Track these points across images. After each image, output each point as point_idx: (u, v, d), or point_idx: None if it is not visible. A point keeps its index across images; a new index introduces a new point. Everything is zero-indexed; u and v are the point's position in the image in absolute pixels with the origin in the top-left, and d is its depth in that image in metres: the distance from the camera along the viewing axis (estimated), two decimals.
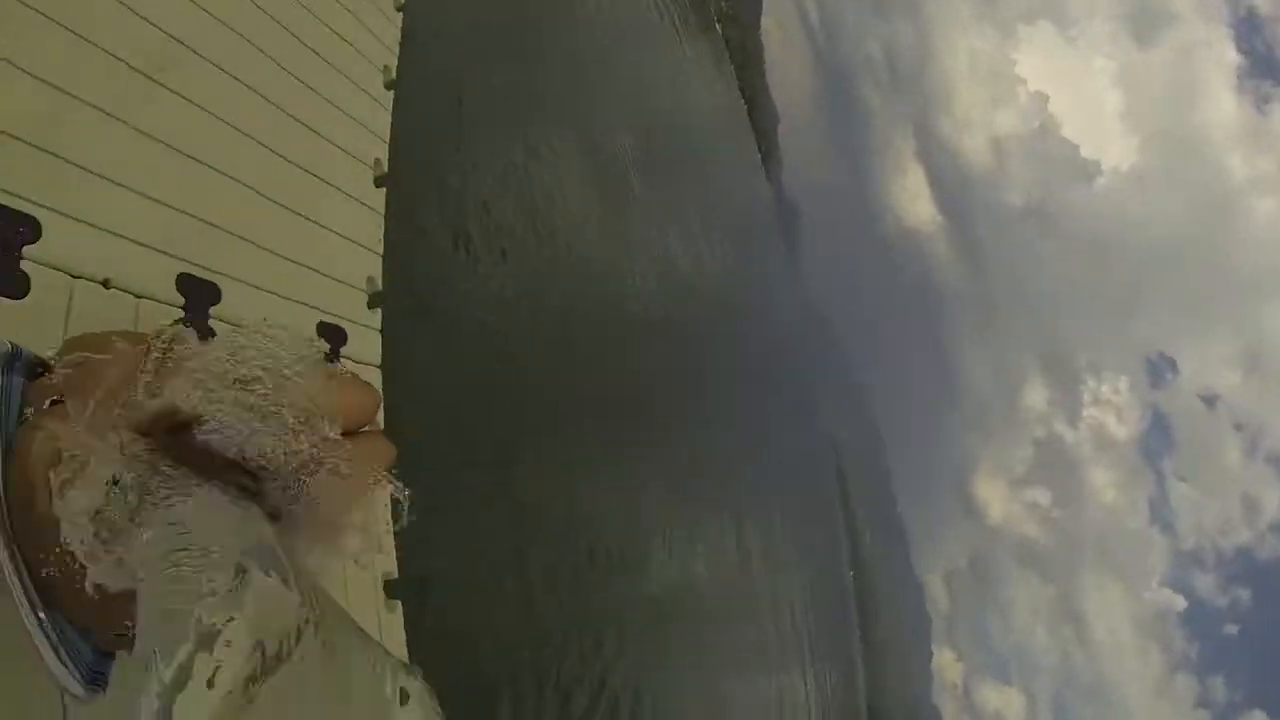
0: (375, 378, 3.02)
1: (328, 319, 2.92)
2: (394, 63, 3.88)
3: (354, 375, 2.01)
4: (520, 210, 6.33)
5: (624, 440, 7.35)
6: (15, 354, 1.21)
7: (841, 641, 18.06)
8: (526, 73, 7.17)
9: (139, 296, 2.19)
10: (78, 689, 1.06)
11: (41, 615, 1.02)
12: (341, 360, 2.91)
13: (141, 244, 2.24)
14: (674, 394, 9.08)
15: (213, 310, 2.43)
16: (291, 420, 0.89)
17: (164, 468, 0.87)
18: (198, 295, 2.38)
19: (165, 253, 2.31)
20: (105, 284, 2.11)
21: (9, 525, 0.94)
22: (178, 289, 2.32)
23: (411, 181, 4.07)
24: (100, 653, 1.32)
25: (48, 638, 1.02)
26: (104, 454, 0.87)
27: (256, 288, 2.61)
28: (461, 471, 4.53)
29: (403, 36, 4.05)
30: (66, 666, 1.03)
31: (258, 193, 2.71)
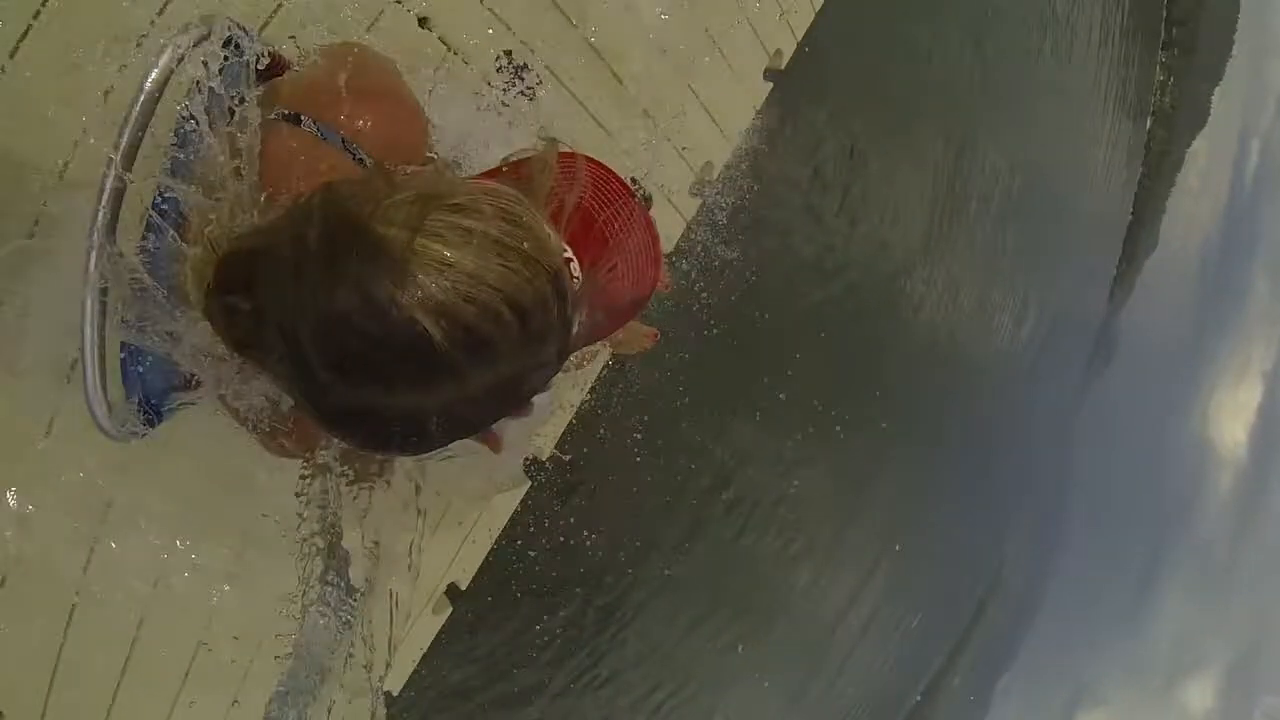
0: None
1: (642, 179, 2.63)
2: None
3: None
4: (878, 188, 5.86)
5: (833, 430, 7.01)
6: (240, 34, 0.96)
7: None
8: (950, 58, 6.50)
9: (450, 50, 1.97)
10: (103, 418, 0.97)
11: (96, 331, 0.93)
12: None
13: (484, 3, 2.04)
14: (899, 416, 8.58)
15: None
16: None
17: None
18: (513, 79, 2.18)
19: (503, 22, 2.07)
20: (422, 22, 1.91)
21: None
22: (495, 62, 2.09)
23: (798, 93, 3.65)
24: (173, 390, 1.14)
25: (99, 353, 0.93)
26: None
27: (579, 100, 2.35)
28: (673, 371, 4.23)
29: None
30: (101, 391, 0.95)
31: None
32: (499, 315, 0.63)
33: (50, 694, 1.80)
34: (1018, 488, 19.51)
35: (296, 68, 1.24)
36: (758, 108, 2.97)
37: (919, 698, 18.58)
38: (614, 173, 0.93)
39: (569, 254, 0.83)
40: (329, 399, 0.65)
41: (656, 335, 2.58)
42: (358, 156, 0.91)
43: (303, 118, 0.90)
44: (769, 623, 8.11)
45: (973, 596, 20.28)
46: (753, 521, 6.41)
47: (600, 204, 0.92)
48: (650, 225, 0.97)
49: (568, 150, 0.83)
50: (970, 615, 21.01)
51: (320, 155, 0.90)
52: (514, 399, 0.71)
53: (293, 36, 1.47)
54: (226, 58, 0.99)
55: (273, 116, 0.91)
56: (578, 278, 0.84)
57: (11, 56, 1.44)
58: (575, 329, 0.74)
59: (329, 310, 0.62)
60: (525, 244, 0.65)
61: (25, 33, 1.43)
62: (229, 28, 0.97)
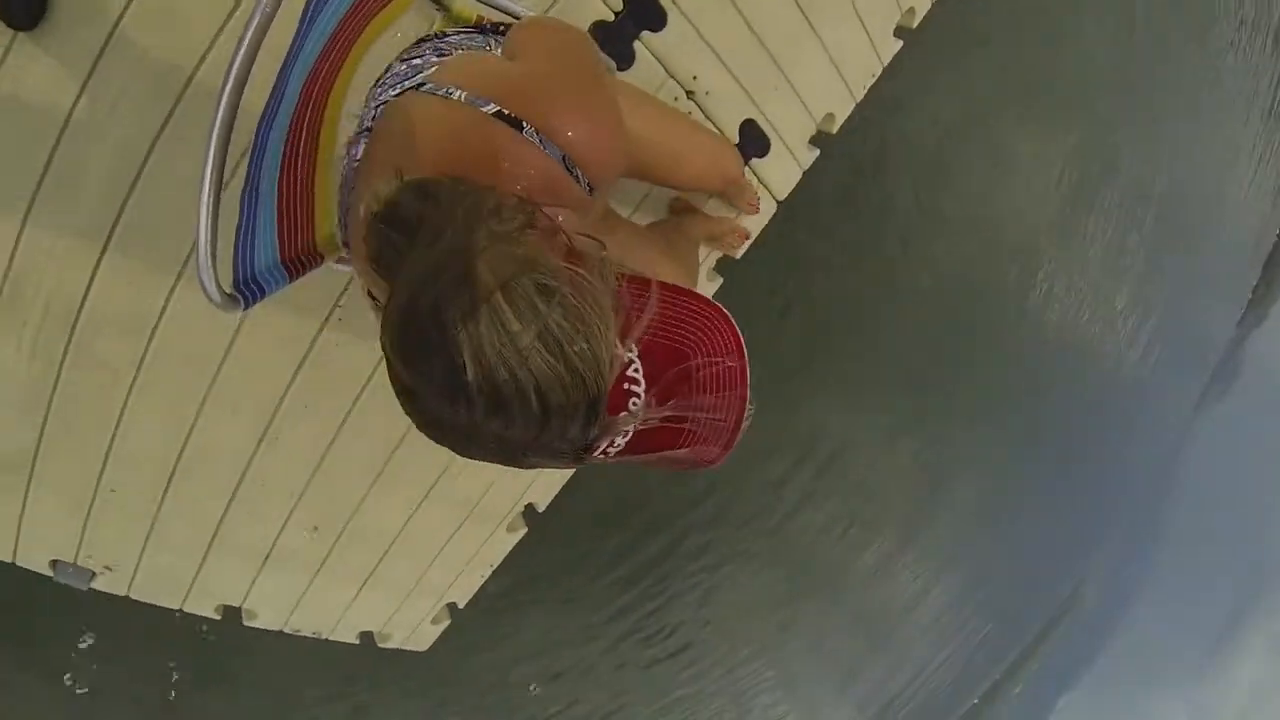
0: (768, 209, 2.72)
1: (761, 123, 2.61)
2: None
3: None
4: (1003, 170, 5.59)
5: (924, 418, 6.86)
6: None
7: None
8: (1096, 40, 6.10)
9: None
10: (211, 288, 1.07)
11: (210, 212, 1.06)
12: (748, 167, 2.62)
13: None
14: (994, 413, 8.25)
15: (646, 33, 2.22)
16: None
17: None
18: (641, 8, 2.18)
19: None
20: None
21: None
22: None
23: (930, 55, 3.51)
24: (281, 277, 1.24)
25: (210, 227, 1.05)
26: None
27: (701, 36, 2.33)
28: (758, 328, 4.15)
29: None
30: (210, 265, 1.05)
31: None
32: (525, 397, 0.68)
33: None
34: (1113, 507, 18.54)
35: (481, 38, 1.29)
36: (885, 64, 2.89)
37: (976, 700, 18.10)
38: (733, 327, 0.87)
39: (639, 387, 0.83)
40: (390, 354, 0.72)
41: (747, 236, 2.57)
42: (574, 172, 0.92)
43: (524, 125, 0.89)
44: (831, 601, 8.00)
45: (1048, 610, 19.49)
46: (828, 500, 6.30)
47: (706, 351, 0.86)
48: (743, 404, 0.89)
49: (643, 279, 0.82)
50: (1041, 628, 20.23)
51: (545, 166, 0.90)
52: (513, 459, 0.74)
53: None
54: None
55: (490, 111, 0.89)
56: (633, 409, 0.83)
57: None
58: (605, 446, 0.79)
59: (417, 295, 0.70)
60: (580, 356, 0.69)
61: None
62: None
